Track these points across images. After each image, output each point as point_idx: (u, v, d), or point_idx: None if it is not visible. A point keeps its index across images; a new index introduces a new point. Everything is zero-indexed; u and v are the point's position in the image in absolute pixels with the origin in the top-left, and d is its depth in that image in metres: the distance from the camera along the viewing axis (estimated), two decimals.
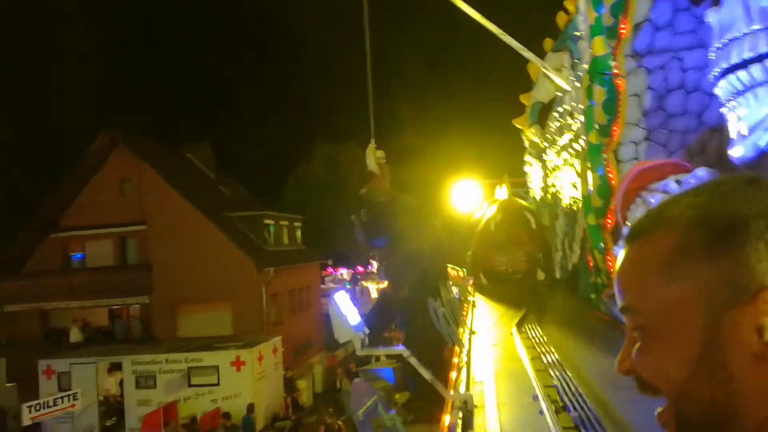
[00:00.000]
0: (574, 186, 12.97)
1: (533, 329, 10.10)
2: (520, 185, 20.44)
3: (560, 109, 14.57)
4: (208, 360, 17.72)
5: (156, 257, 23.73)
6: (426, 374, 5.86)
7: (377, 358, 13.64)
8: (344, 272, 50.66)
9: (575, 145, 12.23)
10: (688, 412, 0.68)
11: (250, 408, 16.91)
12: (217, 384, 17.54)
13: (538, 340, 9.18)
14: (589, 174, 9.75)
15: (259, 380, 17.89)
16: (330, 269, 50.96)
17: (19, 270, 24.86)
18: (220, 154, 34.64)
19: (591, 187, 9.79)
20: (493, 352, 8.78)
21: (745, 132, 5.60)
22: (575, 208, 13.15)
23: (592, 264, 10.57)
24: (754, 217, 0.66)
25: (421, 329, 7.74)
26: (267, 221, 25.80)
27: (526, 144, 20.98)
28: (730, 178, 0.70)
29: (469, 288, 16.34)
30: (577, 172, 12.53)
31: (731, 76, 5.51)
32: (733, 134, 6.07)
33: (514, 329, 10.16)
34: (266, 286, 23.12)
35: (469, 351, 8.10)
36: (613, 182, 9.38)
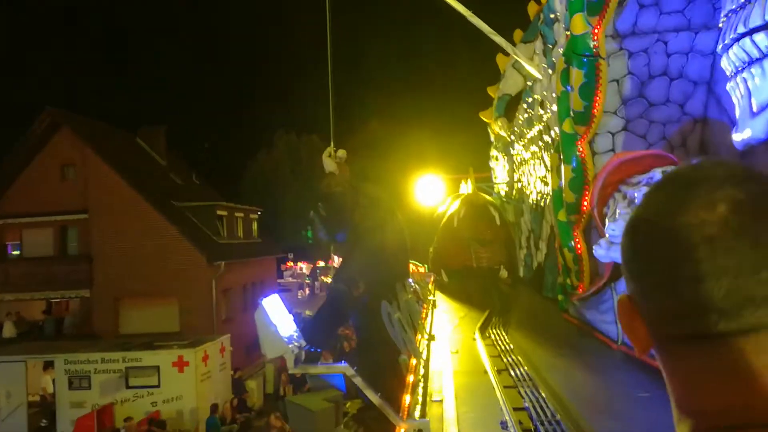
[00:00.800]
0: (543, 180, 12.20)
1: (498, 334, 9.29)
2: (484, 180, 19.71)
3: (529, 100, 13.82)
4: (147, 360, 16.43)
5: (97, 248, 22.19)
6: (373, 397, 4.96)
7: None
8: (303, 266, 49.39)
9: (545, 137, 11.45)
10: None
11: (214, 408, 15.77)
12: (158, 386, 16.27)
13: (503, 347, 8.33)
14: (562, 167, 8.95)
15: (203, 382, 16.69)
16: (291, 263, 49.63)
17: None
18: (175, 141, 33.06)
19: (563, 181, 9.00)
20: (454, 361, 7.86)
21: (755, 108, 4.82)
22: (543, 204, 12.40)
23: (561, 263, 9.81)
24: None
25: (374, 333, 6.82)
26: (220, 212, 24.50)
27: (492, 138, 20.27)
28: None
29: (430, 286, 15.49)
30: (546, 165, 11.77)
31: (745, 41, 4.70)
32: (739, 114, 5.29)
33: (477, 334, 9.34)
34: (216, 280, 21.87)
35: (427, 361, 7.18)
36: (588, 175, 8.59)
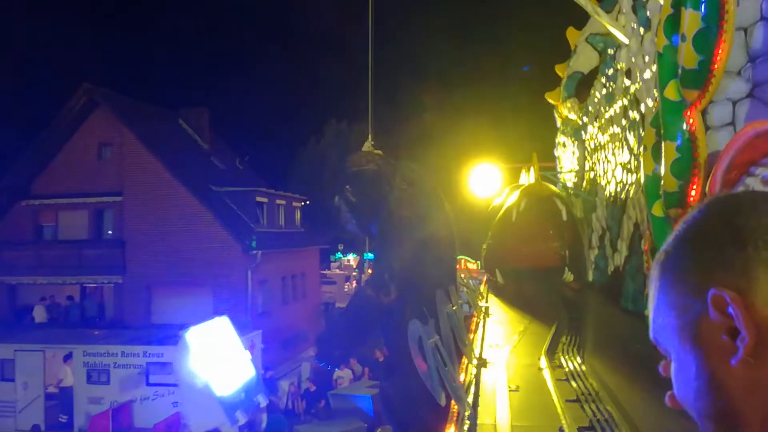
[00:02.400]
0: (625, 167, 9.99)
1: (572, 361, 7.21)
2: (548, 171, 17.46)
3: (609, 72, 11.58)
4: (169, 355, 15.09)
5: (131, 232, 21.16)
6: None
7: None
8: (350, 258, 47.88)
9: (631, 113, 9.24)
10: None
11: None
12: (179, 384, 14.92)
13: (583, 386, 6.15)
14: (662, 146, 6.82)
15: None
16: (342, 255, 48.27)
17: None
18: (220, 122, 31.93)
19: (661, 165, 6.87)
20: (513, 405, 5.75)
21: None
22: (624, 197, 10.18)
23: (648, 269, 7.69)
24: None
25: (405, 356, 5.03)
26: (259, 199, 23.09)
27: (559, 123, 17.97)
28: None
29: (482, 288, 13.55)
30: (630, 148, 9.54)
31: None
32: None
33: (544, 360, 7.27)
34: (252, 270, 20.48)
35: (474, 405, 5.26)
36: (698, 156, 6.45)
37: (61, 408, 15.61)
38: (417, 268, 5.43)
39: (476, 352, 7.00)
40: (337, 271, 45.66)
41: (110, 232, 22.15)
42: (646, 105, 8.52)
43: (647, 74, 8.42)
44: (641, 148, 8.74)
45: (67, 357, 15.81)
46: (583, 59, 15.68)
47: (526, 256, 14.22)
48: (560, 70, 17.28)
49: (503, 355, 7.55)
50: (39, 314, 21.05)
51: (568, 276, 15.20)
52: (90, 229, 22.26)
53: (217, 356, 3.71)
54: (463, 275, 21.99)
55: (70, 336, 17.02)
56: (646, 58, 8.61)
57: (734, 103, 6.60)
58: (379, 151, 6.68)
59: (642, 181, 8.36)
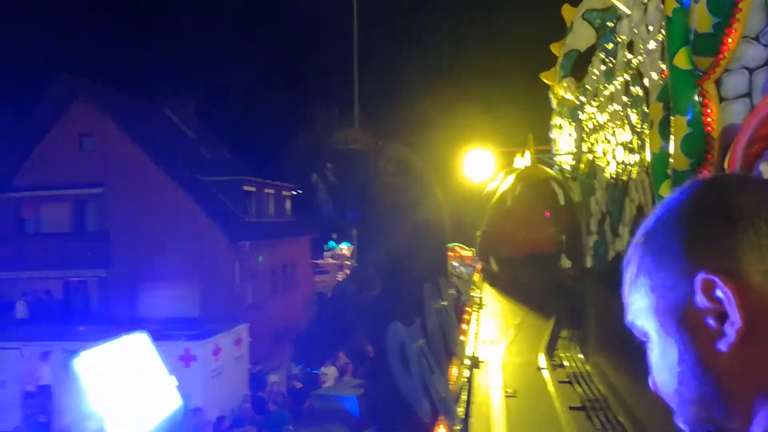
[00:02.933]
0: (627, 147, 9.40)
1: (574, 360, 6.60)
2: (544, 154, 16.86)
3: (609, 46, 10.96)
4: None
5: (115, 225, 20.48)
6: None
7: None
8: (344, 247, 47.24)
9: (633, 89, 8.63)
10: (688, 419, 0.70)
11: (218, 423, 13.53)
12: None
13: (589, 390, 5.48)
14: (671, 120, 6.21)
15: (213, 379, 14.65)
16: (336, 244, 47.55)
17: None
18: (209, 112, 31.22)
19: (670, 142, 6.27)
20: (510, 415, 5.09)
21: None
22: (626, 178, 9.60)
23: None
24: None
25: (388, 359, 4.45)
26: (247, 188, 22.43)
27: (554, 104, 17.36)
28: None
29: (476, 277, 12.94)
30: (633, 127, 8.94)
31: None
32: None
33: (543, 358, 6.65)
34: (240, 262, 19.86)
35: (465, 415, 4.67)
36: (711, 131, 5.85)
37: (40, 408, 14.99)
38: (404, 259, 4.81)
39: (468, 350, 6.40)
40: (330, 260, 45.01)
41: (94, 224, 21.45)
42: (651, 78, 7.90)
43: (652, 45, 7.78)
44: (646, 125, 8.11)
45: (45, 355, 15.17)
46: (580, 37, 15.04)
47: (521, 242, 13.66)
48: (556, 49, 16.64)
49: (498, 352, 6.92)
50: (20, 310, 20.39)
51: (566, 263, 14.66)
52: (72, 222, 21.58)
53: (123, 388, 3.16)
54: (456, 263, 21.44)
55: (49, 333, 16.36)
56: (650, 28, 7.98)
57: (751, 72, 5.96)
58: (366, 132, 6.04)
59: (648, 160, 7.76)
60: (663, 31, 7.06)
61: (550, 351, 7.02)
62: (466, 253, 23.13)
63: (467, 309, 8.45)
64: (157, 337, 14.55)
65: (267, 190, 23.91)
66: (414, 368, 3.96)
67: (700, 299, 0.65)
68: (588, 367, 6.36)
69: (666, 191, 6.67)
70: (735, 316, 0.64)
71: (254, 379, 16.65)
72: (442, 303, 4.95)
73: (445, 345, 4.82)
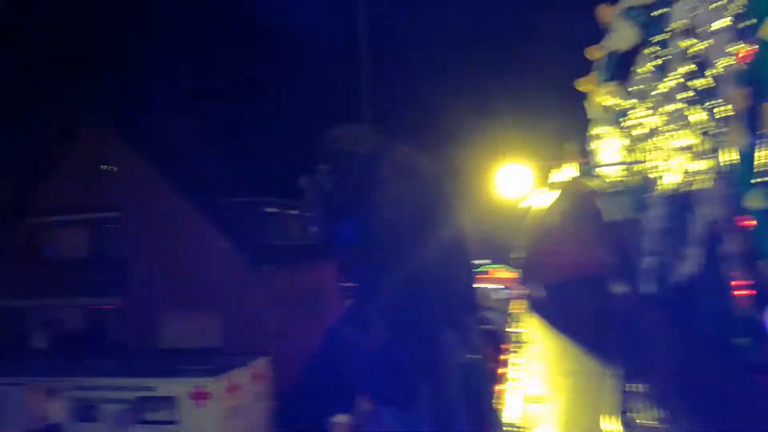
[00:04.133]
0: (689, 153, 7.89)
1: (654, 426, 5.19)
2: (584, 167, 15.44)
3: (659, 39, 9.54)
4: (162, 389, 13.45)
5: (133, 251, 19.70)
6: None
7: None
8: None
9: (697, 81, 7.17)
10: None
11: None
12: (175, 422, 13.25)
13: None
14: (760, 111, 4.83)
15: (229, 419, 13.51)
16: None
17: None
18: (230, 132, 30.51)
19: (755, 137, 4.88)
20: None
21: None
22: (688, 189, 8.07)
23: (738, 279, 5.68)
24: None
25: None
26: (269, 209, 21.47)
27: (591, 113, 15.99)
28: None
29: (513, 308, 11.58)
30: (697, 127, 7.45)
31: None
32: None
33: (611, 423, 5.18)
34: (261, 288, 18.81)
35: None
36: None
37: None
38: (415, 295, 3.53)
39: (507, 414, 5.06)
40: None
41: (110, 250, 20.74)
42: (720, 65, 6.59)
43: (718, 24, 6.49)
44: (719, 122, 6.80)
45: (54, 391, 14.26)
46: (621, 36, 13.70)
47: (568, 265, 12.24)
48: (592, 53, 15.34)
49: (549, 418, 5.48)
50: (36, 340, 19.71)
51: (617, 288, 13.17)
52: (89, 248, 20.92)
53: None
54: (492, 285, 19.94)
55: (59, 366, 15.50)
56: (715, 5, 6.68)
57: None
58: (373, 131, 4.78)
59: (724, 164, 6.43)
60: (733, 5, 5.76)
61: (620, 413, 5.59)
62: (504, 275, 21.57)
63: (504, 348, 7.06)
64: (166, 372, 13.59)
65: (290, 211, 22.90)
66: None
67: None
68: None
69: (757, 201, 5.32)
70: None
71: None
72: (470, 357, 3.67)
73: (472, 412, 3.55)
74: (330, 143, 4.55)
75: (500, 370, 6.28)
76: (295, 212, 23.40)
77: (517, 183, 15.66)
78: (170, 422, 13.17)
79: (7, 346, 19.36)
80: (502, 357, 6.83)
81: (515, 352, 7.90)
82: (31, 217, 20.93)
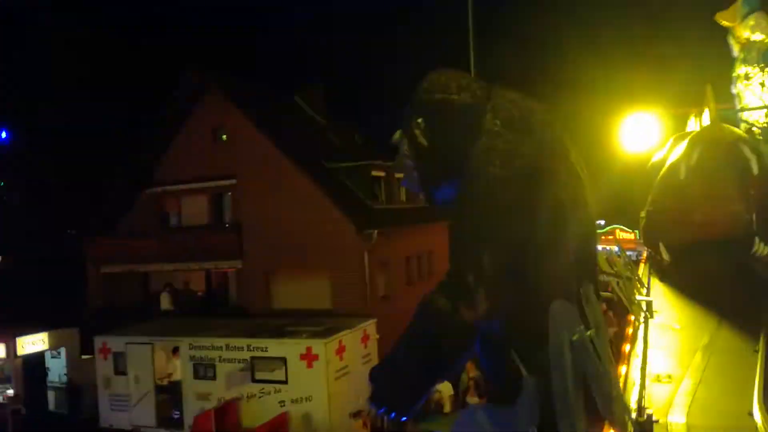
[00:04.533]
0: None
1: None
2: (726, 112, 13.58)
3: None
4: (274, 350, 13.69)
5: (247, 216, 20.24)
6: None
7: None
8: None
9: None
10: None
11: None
12: (285, 381, 13.48)
13: None
14: None
15: (338, 380, 13.53)
16: None
17: (114, 228, 22.82)
18: (340, 96, 30.48)
19: None
20: None
21: None
22: None
23: None
24: None
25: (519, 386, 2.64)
26: (376, 173, 21.19)
27: (736, 51, 13.95)
28: None
29: (641, 271, 10.34)
30: None
31: None
32: None
33: (757, 412, 4.19)
34: (369, 251, 18.64)
35: None
36: None
37: (172, 403, 14.90)
38: (522, 262, 2.85)
39: (633, 402, 4.20)
40: None
41: (228, 216, 21.47)
42: None
43: None
44: None
45: (176, 350, 15.05)
46: None
47: (700, 224, 10.79)
48: None
49: (680, 402, 4.53)
50: (164, 301, 20.97)
51: (760, 248, 11.52)
52: (210, 214, 21.78)
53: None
54: (615, 248, 18.42)
55: (181, 326, 16.30)
56: None
57: None
58: (473, 77, 4.01)
59: None
60: None
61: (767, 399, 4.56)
62: (628, 236, 19.81)
63: (629, 320, 6.07)
64: (277, 333, 13.80)
65: (397, 175, 22.49)
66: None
67: None
68: None
69: None
70: None
71: None
72: (587, 333, 2.97)
73: (590, 403, 2.87)
74: (425, 92, 3.79)
75: (623, 346, 5.35)
76: (401, 175, 22.99)
77: (643, 133, 14.14)
78: (281, 381, 13.40)
79: (137, 307, 20.77)
80: (625, 330, 5.84)
81: (640, 323, 6.74)
82: (155, 186, 22.08)
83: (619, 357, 4.93)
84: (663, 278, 10.67)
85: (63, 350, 17.62)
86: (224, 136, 21.23)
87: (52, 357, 17.62)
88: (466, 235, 3.48)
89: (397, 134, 3.83)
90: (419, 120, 3.68)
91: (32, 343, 16.72)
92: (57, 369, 17.69)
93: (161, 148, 21.99)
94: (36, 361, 17.04)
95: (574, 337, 2.95)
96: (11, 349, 16.31)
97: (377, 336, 15.50)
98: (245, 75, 23.95)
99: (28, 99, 33.17)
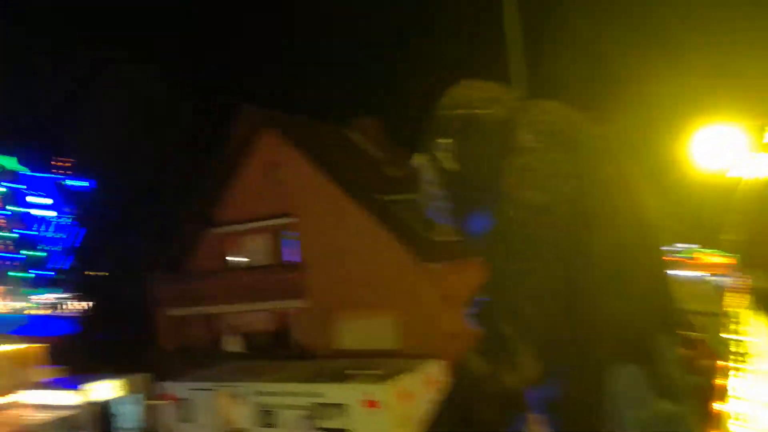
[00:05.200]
0: None
1: None
2: None
3: None
4: (331, 396, 13.13)
5: (307, 254, 20.04)
6: None
7: None
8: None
9: None
10: None
11: None
12: (348, 430, 12.85)
13: None
14: None
15: (403, 426, 12.76)
16: None
17: (178, 269, 23.15)
18: (397, 128, 30.23)
19: None
20: None
21: None
22: None
23: None
24: None
25: None
26: None
27: None
28: None
29: (737, 304, 9.16)
30: None
31: None
32: None
33: None
34: (434, 286, 17.94)
35: None
36: None
37: None
38: (570, 313, 2.07)
39: None
40: None
41: (289, 254, 21.36)
42: None
43: None
44: None
45: (237, 396, 14.75)
46: None
47: None
48: None
49: None
50: (229, 343, 20.92)
51: None
52: (270, 254, 21.76)
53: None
54: (698, 274, 16.84)
55: (244, 371, 16.04)
56: None
57: None
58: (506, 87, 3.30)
59: None
60: None
61: None
62: (715, 260, 17.99)
63: (719, 365, 5.02)
64: (336, 378, 13.23)
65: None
66: None
67: None
68: None
69: None
70: None
71: None
72: (665, 404, 2.18)
73: None
74: (444, 107, 3.19)
75: (715, 406, 4.36)
76: None
77: (721, 147, 12.90)
78: (342, 430, 12.79)
79: (199, 350, 20.78)
80: (717, 383, 4.81)
81: (737, 371, 5.59)
82: (217, 227, 22.30)
83: (711, 423, 4.00)
84: (762, 307, 9.43)
85: (134, 396, 17.66)
86: (280, 174, 21.28)
87: (119, 403, 17.71)
88: (504, 277, 2.74)
89: (416, 158, 3.14)
90: (442, 141, 3.00)
91: (106, 390, 16.82)
92: (128, 415, 17.70)
93: (220, 189, 22.25)
94: (108, 407, 17.12)
95: (648, 413, 2.18)
96: (85, 397, 16.40)
97: (444, 378, 14.68)
98: (299, 111, 24.06)
99: (106, 151, 34.88)
